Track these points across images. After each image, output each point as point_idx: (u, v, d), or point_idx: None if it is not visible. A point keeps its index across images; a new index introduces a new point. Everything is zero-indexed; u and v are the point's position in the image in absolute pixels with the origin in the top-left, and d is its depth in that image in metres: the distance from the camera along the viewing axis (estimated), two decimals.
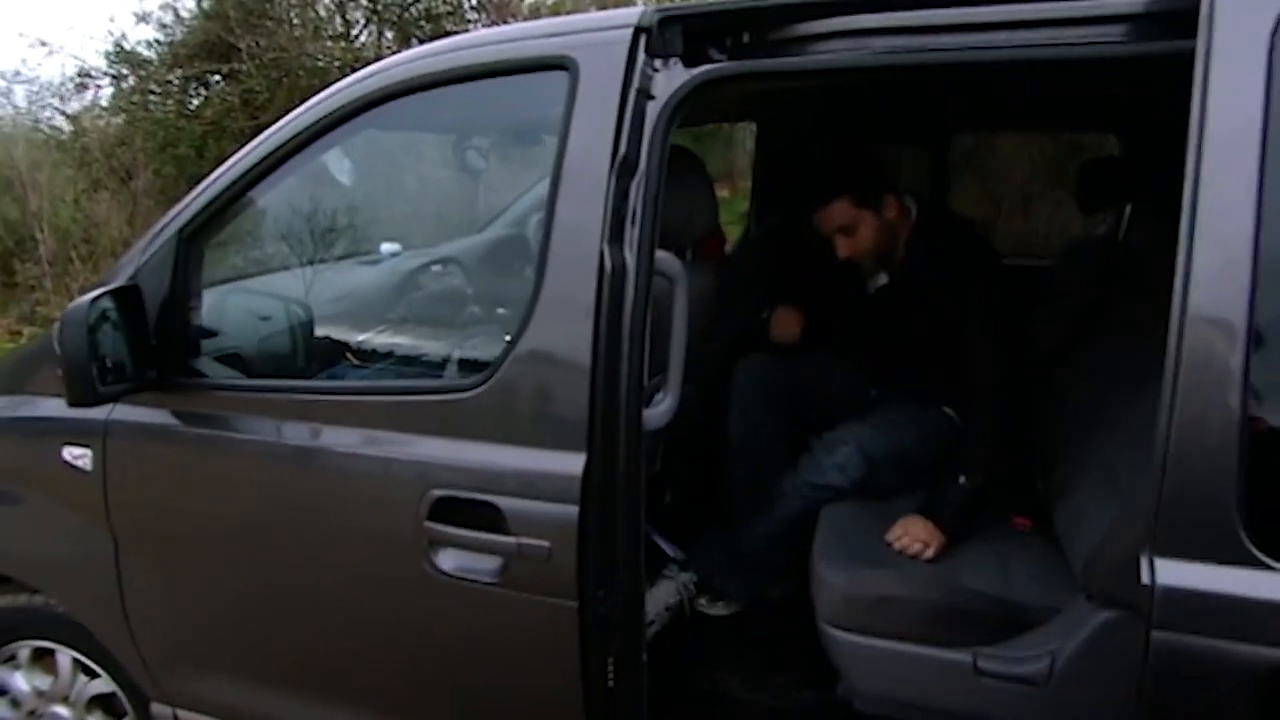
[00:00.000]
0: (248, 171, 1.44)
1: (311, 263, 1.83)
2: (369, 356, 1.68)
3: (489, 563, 1.27)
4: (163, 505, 1.53)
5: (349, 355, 1.72)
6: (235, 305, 1.69)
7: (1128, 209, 2.17)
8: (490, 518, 1.25)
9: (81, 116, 7.15)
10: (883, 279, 1.87)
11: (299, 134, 1.41)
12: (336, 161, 1.70)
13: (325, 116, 1.38)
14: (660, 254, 1.22)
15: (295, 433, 1.41)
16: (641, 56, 1.19)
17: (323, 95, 1.40)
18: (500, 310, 1.55)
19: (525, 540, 1.23)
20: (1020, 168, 6.33)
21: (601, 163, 1.17)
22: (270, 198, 1.58)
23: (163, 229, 1.49)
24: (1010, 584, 1.49)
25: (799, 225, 1.93)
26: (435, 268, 2.18)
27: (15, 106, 7.45)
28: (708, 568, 1.94)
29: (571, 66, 1.21)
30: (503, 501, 1.24)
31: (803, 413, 1.91)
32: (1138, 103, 2.06)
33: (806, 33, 1.19)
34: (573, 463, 1.20)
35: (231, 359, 1.64)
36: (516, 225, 2.16)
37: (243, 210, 1.53)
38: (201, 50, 6.89)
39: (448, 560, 1.30)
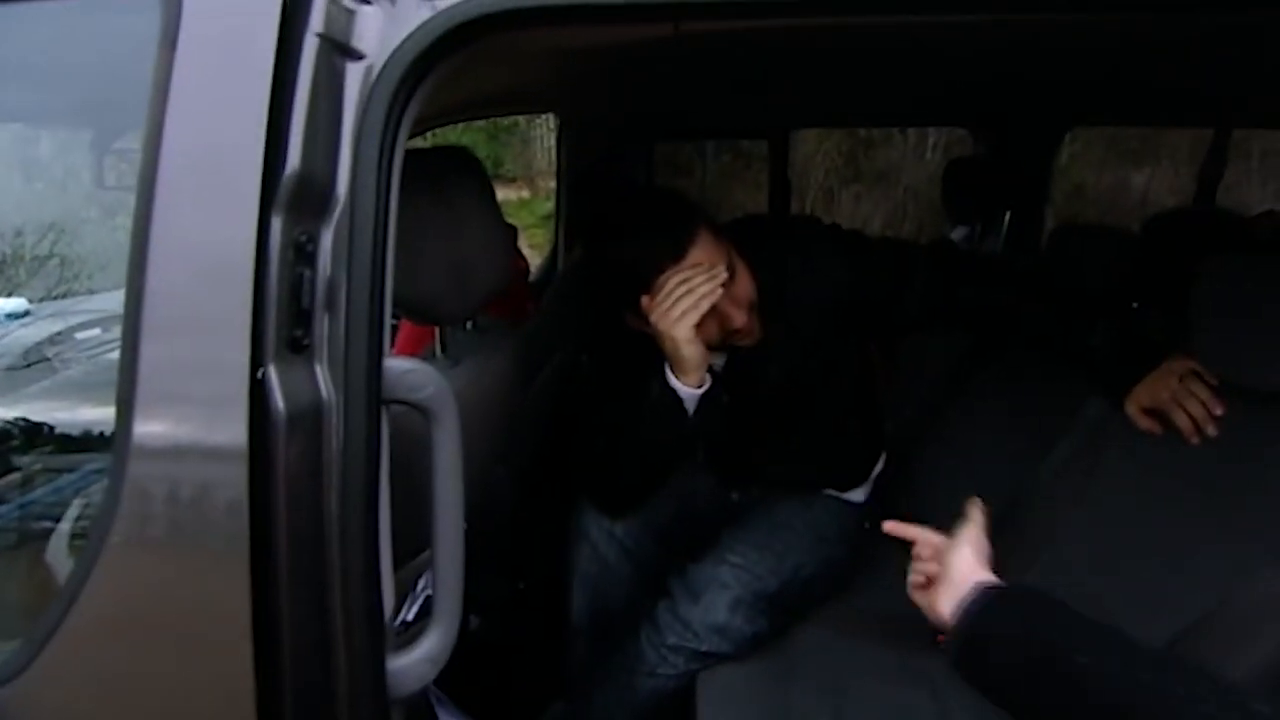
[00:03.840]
0: None
1: None
2: None
3: None
4: None
5: None
6: None
7: (1006, 217, 1.90)
8: None
9: None
10: (718, 361, 1.24)
11: None
12: None
13: None
14: (398, 365, 0.62)
15: None
16: None
17: None
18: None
19: None
20: (822, 162, 6.35)
21: (244, 191, 0.55)
22: None
23: None
24: None
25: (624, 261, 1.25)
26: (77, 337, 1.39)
27: None
28: None
29: None
30: None
31: (668, 550, 1.30)
32: (1009, 88, 1.73)
33: None
34: None
35: None
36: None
37: None
38: None
39: None
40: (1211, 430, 1.02)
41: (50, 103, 0.87)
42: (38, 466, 1.02)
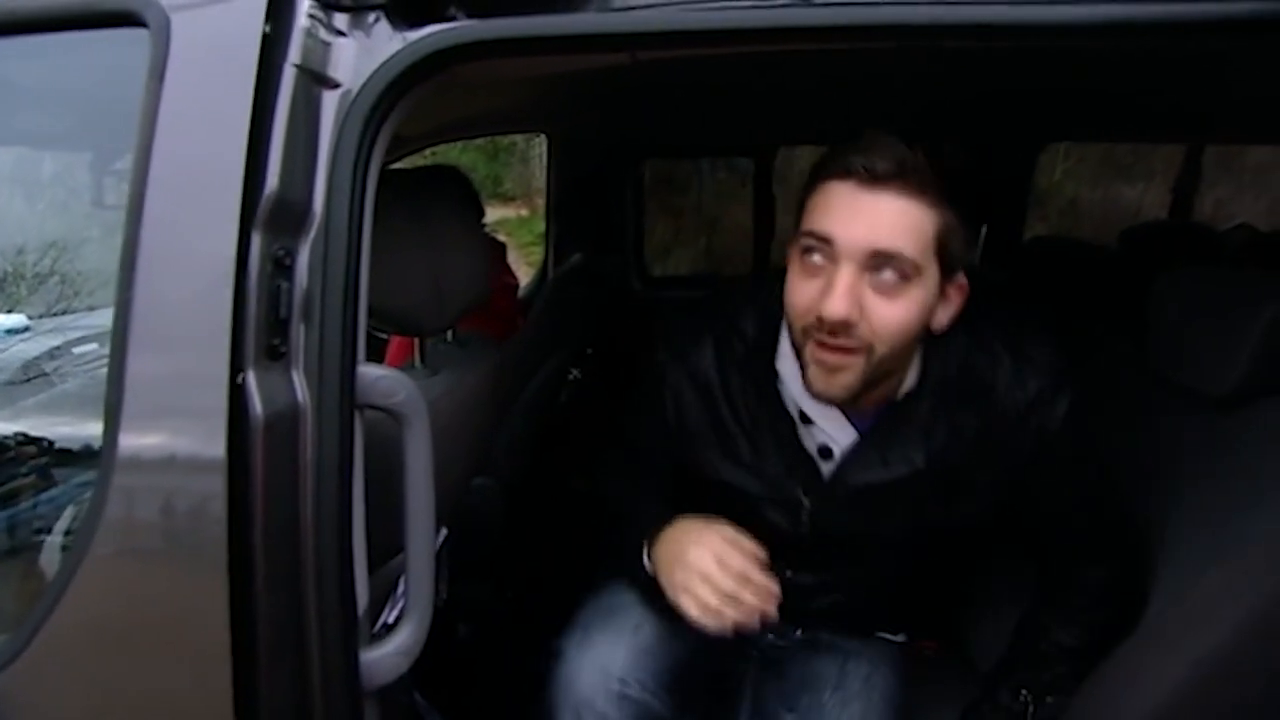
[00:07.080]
0: None
1: None
2: None
3: None
4: None
5: None
6: None
7: (982, 231, 1.94)
8: None
9: None
10: (842, 437, 0.93)
11: None
12: None
13: None
14: (371, 372, 0.66)
15: None
16: (304, 6, 0.63)
17: None
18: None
19: None
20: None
21: (225, 211, 0.59)
22: None
23: None
24: None
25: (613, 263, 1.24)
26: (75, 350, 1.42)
27: None
28: None
29: (153, 21, 0.61)
30: None
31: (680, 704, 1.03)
32: (982, 105, 1.78)
33: None
34: None
35: None
36: None
37: None
38: None
39: None
40: None
41: (51, 127, 0.92)
42: (33, 476, 1.07)
